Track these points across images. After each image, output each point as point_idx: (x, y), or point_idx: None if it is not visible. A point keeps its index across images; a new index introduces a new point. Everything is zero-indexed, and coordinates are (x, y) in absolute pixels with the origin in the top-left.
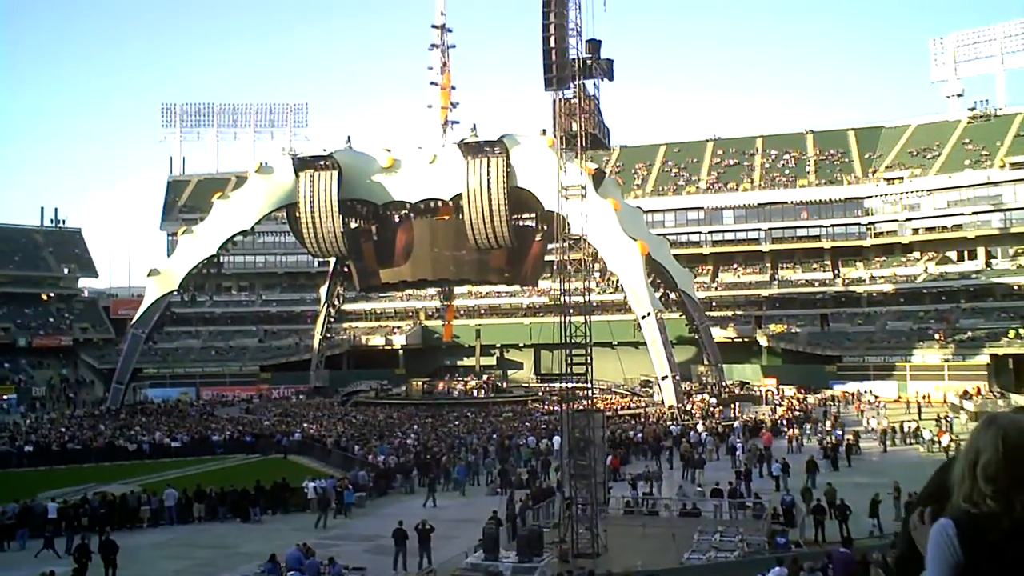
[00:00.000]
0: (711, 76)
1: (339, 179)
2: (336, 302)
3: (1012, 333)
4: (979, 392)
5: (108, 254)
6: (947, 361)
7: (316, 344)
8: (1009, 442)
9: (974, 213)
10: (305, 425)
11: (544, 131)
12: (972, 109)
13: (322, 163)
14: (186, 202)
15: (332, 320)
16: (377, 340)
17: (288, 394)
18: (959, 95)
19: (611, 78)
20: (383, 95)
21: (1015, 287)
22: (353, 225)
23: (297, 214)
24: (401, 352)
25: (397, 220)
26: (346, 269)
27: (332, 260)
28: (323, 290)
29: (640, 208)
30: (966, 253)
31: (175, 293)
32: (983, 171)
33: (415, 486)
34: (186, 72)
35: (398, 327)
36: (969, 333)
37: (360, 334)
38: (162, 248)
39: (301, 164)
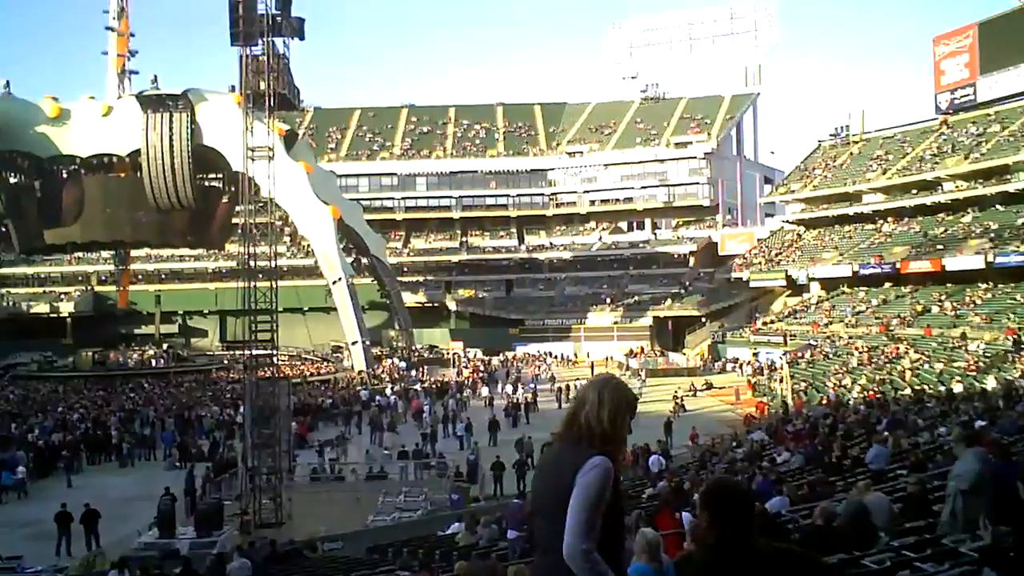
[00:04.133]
0: (407, 42)
1: None
2: None
3: (669, 302)
4: (643, 351)
5: None
6: (616, 323)
7: None
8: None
9: (643, 187)
10: None
11: (233, 88)
12: (644, 91)
13: None
14: None
15: None
16: (41, 308)
17: None
18: (633, 77)
19: (302, 37)
20: (52, 40)
21: (675, 256)
22: (12, 180)
23: None
24: (69, 320)
25: (65, 176)
26: (3, 229)
27: None
28: None
29: (333, 172)
30: (635, 224)
31: None
32: (651, 149)
33: (83, 465)
34: None
35: (66, 293)
36: (636, 298)
37: (20, 301)
38: None
39: None
